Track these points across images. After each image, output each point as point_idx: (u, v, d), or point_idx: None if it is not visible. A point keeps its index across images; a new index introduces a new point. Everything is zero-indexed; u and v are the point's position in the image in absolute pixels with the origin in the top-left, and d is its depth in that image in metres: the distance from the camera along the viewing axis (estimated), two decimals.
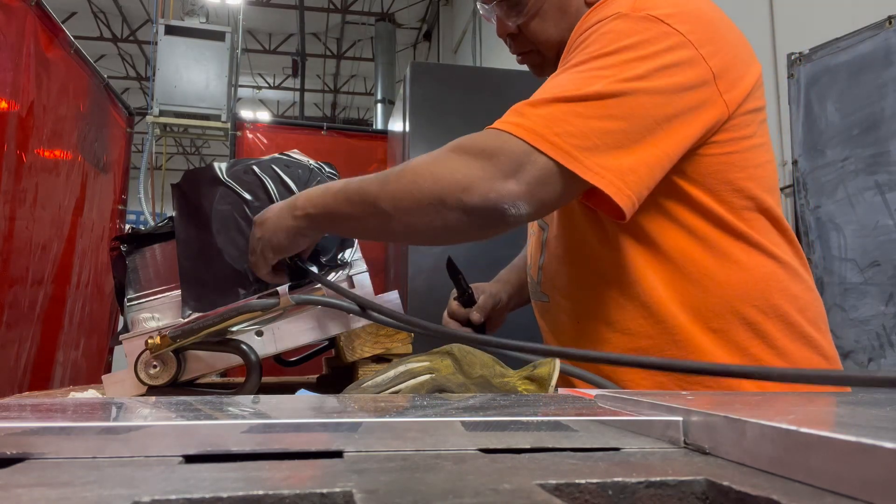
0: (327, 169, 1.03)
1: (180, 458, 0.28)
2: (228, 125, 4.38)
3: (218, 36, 5.05)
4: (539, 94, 0.75)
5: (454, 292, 1.13)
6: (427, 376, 0.67)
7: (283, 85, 12.28)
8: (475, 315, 1.10)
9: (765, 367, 0.53)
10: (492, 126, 0.75)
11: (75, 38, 2.53)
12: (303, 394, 0.71)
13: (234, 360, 0.88)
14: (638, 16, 0.76)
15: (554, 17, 0.91)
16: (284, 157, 1.01)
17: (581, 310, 0.91)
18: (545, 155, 0.70)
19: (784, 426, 0.25)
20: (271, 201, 0.96)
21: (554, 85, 0.75)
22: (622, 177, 0.71)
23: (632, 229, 0.83)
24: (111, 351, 3.14)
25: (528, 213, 0.73)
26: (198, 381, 0.96)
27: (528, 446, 0.29)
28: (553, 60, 0.94)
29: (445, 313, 1.14)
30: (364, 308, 0.86)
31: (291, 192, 0.97)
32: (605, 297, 0.87)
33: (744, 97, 0.79)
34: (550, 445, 0.29)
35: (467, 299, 1.11)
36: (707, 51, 0.76)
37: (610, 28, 0.77)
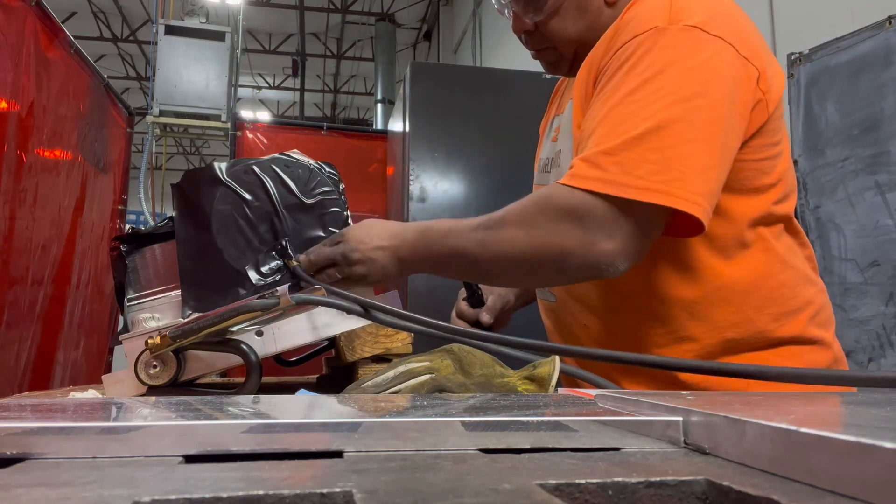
0: (327, 169, 1.03)
1: (180, 458, 0.28)
2: (228, 125, 4.38)
3: (218, 36, 5.05)
4: (606, 137, 0.73)
5: (462, 292, 1.13)
6: (427, 376, 0.67)
7: (283, 85, 12.28)
8: (485, 316, 1.11)
9: (761, 367, 0.52)
10: (572, 184, 0.73)
11: (75, 38, 2.52)
12: (303, 394, 0.71)
13: (234, 360, 0.88)
14: (676, 28, 0.75)
15: (573, 16, 0.90)
16: (284, 157, 1.01)
17: (590, 315, 0.90)
18: (636, 201, 0.70)
19: (784, 426, 0.25)
20: (271, 201, 0.96)
21: (617, 123, 0.73)
22: (710, 199, 0.71)
23: None
24: (111, 351, 3.14)
25: (625, 268, 0.74)
26: (198, 381, 0.96)
27: (528, 446, 0.29)
28: (569, 58, 0.93)
29: (454, 313, 1.15)
30: (365, 308, 0.86)
31: (291, 192, 0.97)
32: (617, 306, 0.86)
33: (778, 99, 0.80)
34: (550, 445, 0.29)
35: (476, 300, 1.12)
36: (747, 52, 0.76)
37: (652, 44, 0.76)
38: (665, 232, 0.75)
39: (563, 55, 0.94)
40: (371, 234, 0.88)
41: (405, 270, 0.88)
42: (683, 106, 0.71)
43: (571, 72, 0.94)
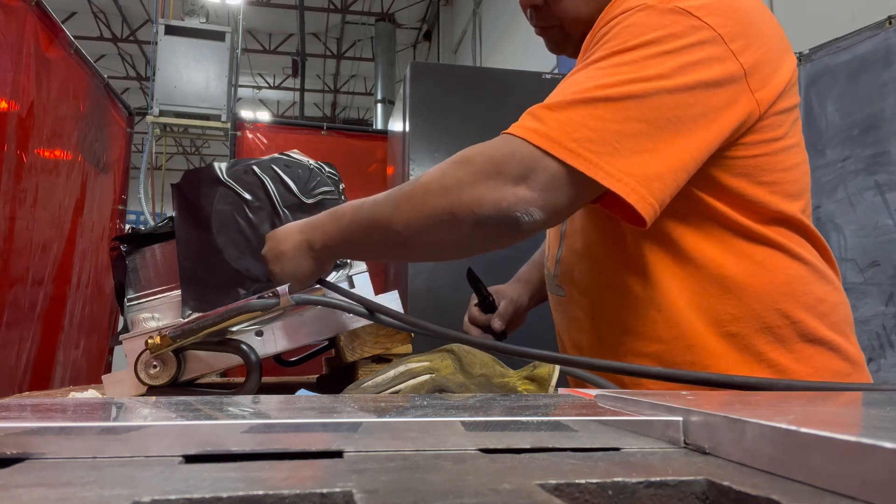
0: (327, 169, 1.03)
1: (180, 458, 0.28)
2: (228, 125, 4.38)
3: (218, 36, 5.05)
4: (556, 94, 0.71)
5: (474, 298, 1.11)
6: (427, 376, 0.67)
7: (283, 85, 12.29)
8: (497, 323, 1.08)
9: (778, 380, 0.52)
10: (507, 131, 0.72)
11: (75, 38, 2.52)
12: (303, 394, 0.71)
13: (234, 360, 0.88)
14: (665, 7, 0.72)
15: None
16: (284, 157, 1.01)
17: (597, 308, 0.88)
18: (558, 159, 0.67)
19: (784, 426, 0.25)
20: (271, 201, 0.96)
21: (572, 83, 0.71)
22: (646, 184, 0.67)
23: (649, 231, 0.78)
24: (111, 351, 3.14)
25: (542, 219, 0.70)
26: (198, 381, 0.96)
27: (528, 446, 0.29)
28: (577, 39, 0.89)
29: (466, 318, 1.12)
30: (368, 309, 0.86)
31: (291, 192, 0.97)
32: (621, 298, 0.84)
33: (777, 95, 0.75)
34: (550, 445, 0.29)
35: (488, 305, 1.09)
36: (738, 45, 0.71)
37: (634, 21, 0.72)
38: (612, 210, 0.73)
39: (570, 35, 0.90)
40: (285, 232, 0.87)
41: (321, 258, 0.85)
42: (643, 85, 0.68)
43: (575, 53, 0.90)
